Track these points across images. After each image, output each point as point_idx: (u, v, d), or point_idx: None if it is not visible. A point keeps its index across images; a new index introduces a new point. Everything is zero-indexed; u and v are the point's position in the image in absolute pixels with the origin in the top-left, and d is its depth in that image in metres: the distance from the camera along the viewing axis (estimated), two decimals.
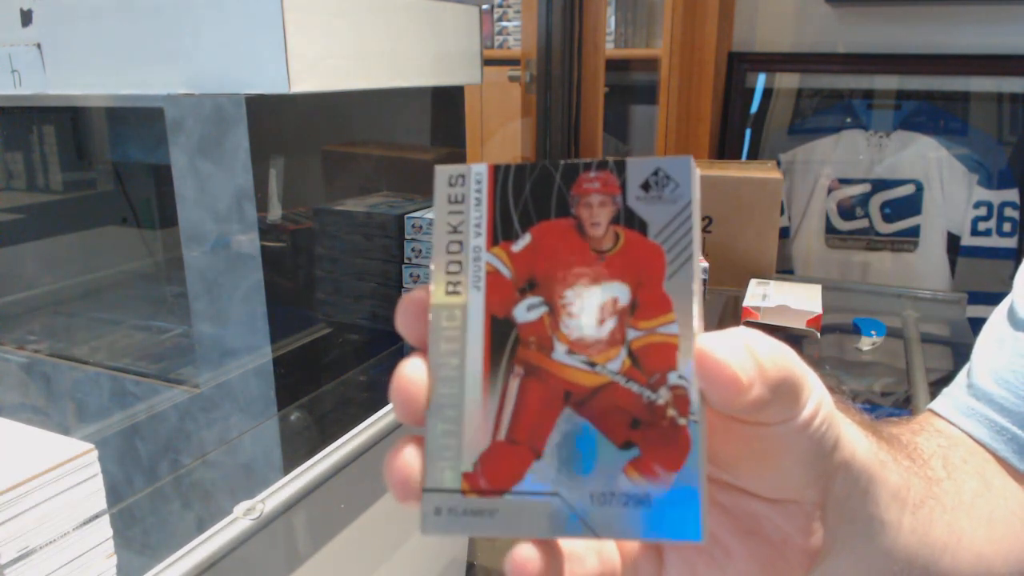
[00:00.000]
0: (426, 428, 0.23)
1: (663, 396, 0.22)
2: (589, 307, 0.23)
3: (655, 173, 0.23)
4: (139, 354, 1.52)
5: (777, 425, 0.24)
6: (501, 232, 0.24)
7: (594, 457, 0.22)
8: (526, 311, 0.23)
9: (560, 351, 0.23)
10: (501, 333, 0.23)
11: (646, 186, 0.23)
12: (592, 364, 0.23)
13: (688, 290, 0.23)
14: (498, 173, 0.24)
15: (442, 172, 0.25)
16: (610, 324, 0.23)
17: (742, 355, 0.22)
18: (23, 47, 0.78)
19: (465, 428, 0.23)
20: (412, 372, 0.23)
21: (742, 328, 0.23)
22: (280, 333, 1.15)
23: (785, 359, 0.23)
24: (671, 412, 0.22)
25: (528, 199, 0.24)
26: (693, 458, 0.22)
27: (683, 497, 0.22)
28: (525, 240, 0.24)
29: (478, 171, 0.24)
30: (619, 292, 0.23)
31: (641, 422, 0.22)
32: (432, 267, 0.24)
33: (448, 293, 0.24)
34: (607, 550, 0.26)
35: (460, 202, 0.24)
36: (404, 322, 0.24)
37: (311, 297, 1.20)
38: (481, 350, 0.23)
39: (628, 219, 0.23)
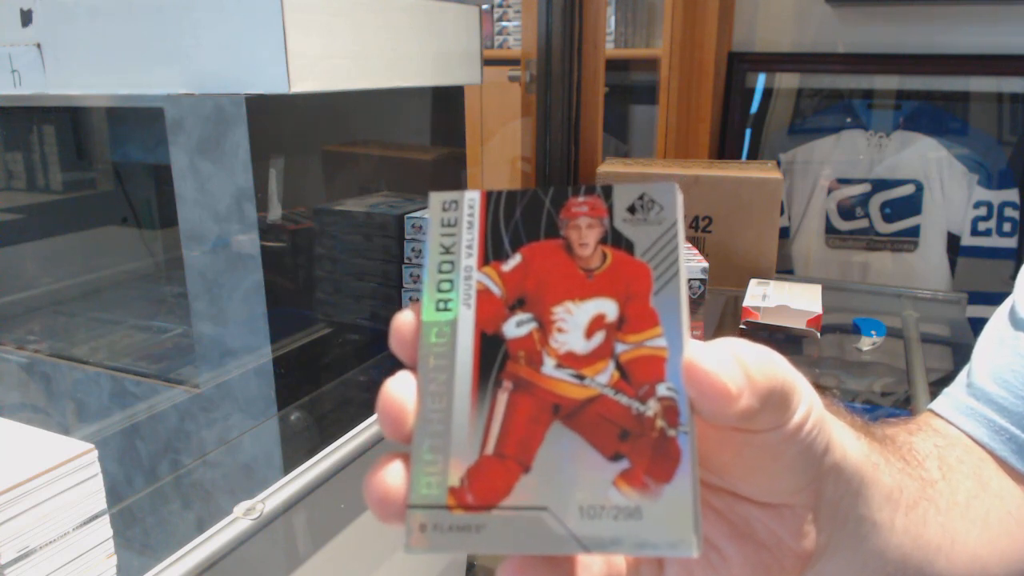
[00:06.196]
0: (412, 443, 0.23)
1: (652, 408, 0.22)
2: (577, 322, 0.23)
3: (641, 198, 0.24)
4: (139, 354, 1.52)
5: (767, 432, 0.24)
6: (492, 252, 0.24)
7: (583, 470, 0.22)
8: (515, 327, 0.24)
9: (549, 365, 0.23)
10: (490, 349, 0.23)
11: (632, 209, 0.24)
12: (581, 377, 0.23)
13: (675, 305, 0.23)
14: (490, 198, 0.25)
15: (436, 198, 0.25)
16: (598, 338, 0.23)
17: (730, 366, 0.22)
18: (23, 47, 0.78)
19: (452, 443, 0.23)
20: (398, 388, 0.23)
21: (731, 338, 0.23)
22: (280, 333, 1.15)
23: (774, 368, 0.23)
24: (660, 423, 0.22)
25: (519, 222, 0.24)
26: (684, 469, 0.21)
27: (674, 510, 0.21)
28: (515, 260, 0.24)
29: (471, 197, 0.25)
30: (607, 308, 0.23)
31: (630, 434, 0.22)
32: (424, 286, 0.24)
33: (438, 310, 0.24)
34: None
35: (453, 225, 0.25)
36: (397, 344, 0.24)
37: (311, 297, 1.20)
38: (470, 365, 0.23)
39: (615, 240, 0.24)
